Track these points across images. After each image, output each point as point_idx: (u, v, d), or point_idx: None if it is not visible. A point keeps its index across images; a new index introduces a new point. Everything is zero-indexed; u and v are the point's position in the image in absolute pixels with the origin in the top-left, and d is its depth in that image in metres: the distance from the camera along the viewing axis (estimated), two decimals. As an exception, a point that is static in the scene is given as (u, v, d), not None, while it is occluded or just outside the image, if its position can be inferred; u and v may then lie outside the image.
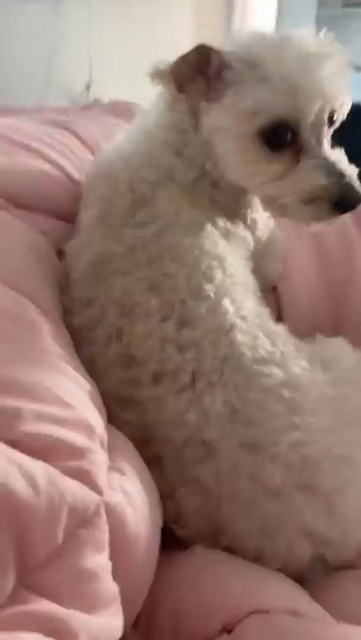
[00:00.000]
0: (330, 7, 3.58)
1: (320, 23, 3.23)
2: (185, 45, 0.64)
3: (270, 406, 0.55)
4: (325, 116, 0.60)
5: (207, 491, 0.54)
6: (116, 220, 0.62)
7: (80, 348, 0.57)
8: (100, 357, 0.58)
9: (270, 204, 0.64)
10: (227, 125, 0.60)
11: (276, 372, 0.56)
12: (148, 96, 0.66)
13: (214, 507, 0.54)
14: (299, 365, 0.58)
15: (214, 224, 0.63)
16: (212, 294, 0.58)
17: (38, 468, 0.36)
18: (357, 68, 3.35)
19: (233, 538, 0.55)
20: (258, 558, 0.54)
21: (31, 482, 0.35)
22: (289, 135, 0.58)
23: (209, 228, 0.62)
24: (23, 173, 0.71)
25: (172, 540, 0.55)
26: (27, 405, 0.39)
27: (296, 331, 0.67)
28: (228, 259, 0.62)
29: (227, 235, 0.65)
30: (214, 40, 0.64)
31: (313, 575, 0.55)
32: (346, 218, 0.68)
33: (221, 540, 0.55)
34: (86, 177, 0.73)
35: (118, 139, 0.72)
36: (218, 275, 0.59)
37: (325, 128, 0.60)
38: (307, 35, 0.61)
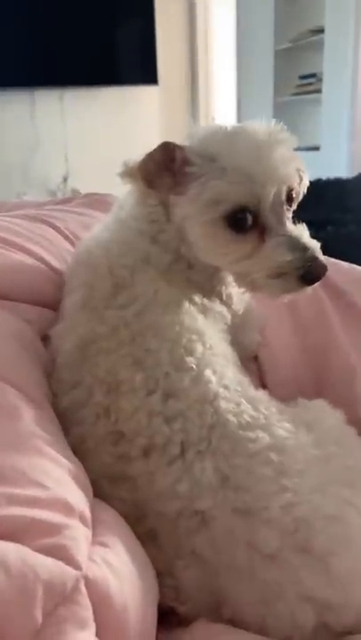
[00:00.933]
0: (284, 95, 3.90)
1: (277, 108, 3.52)
2: (153, 136, 0.71)
3: (259, 470, 0.55)
4: (283, 197, 0.64)
5: (204, 562, 0.53)
6: (98, 303, 0.64)
7: (69, 428, 0.58)
8: (89, 436, 0.58)
9: (241, 280, 0.68)
10: (194, 214, 0.64)
11: (262, 436, 0.57)
12: (121, 185, 0.72)
13: (213, 578, 0.53)
14: (283, 428, 0.59)
15: (192, 301, 0.67)
16: (194, 366, 0.60)
17: (10, 549, 0.36)
18: (309, 148, 3.58)
19: (234, 609, 0.53)
20: (261, 630, 0.52)
21: (2, 564, 0.34)
22: (250, 218, 0.62)
23: (187, 305, 0.65)
24: (4, 266, 0.75)
25: (173, 619, 0.53)
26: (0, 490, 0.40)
27: (279, 396, 0.68)
28: (208, 332, 0.64)
29: (204, 310, 0.68)
30: (179, 130, 0.69)
31: None
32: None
33: (223, 613, 0.53)
34: (68, 266, 0.77)
35: (96, 228, 0.76)
36: (198, 348, 0.62)
37: (285, 207, 0.64)
38: (258, 125, 0.66)
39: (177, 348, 0.61)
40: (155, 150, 0.64)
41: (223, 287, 0.73)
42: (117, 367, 0.59)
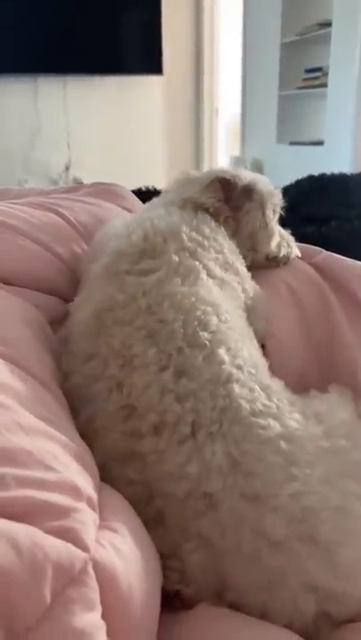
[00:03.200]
0: (289, 88, 3.89)
1: (281, 102, 3.51)
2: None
3: (269, 457, 0.55)
4: None
5: (210, 545, 0.54)
6: (120, 267, 0.67)
7: (80, 405, 0.59)
8: (100, 414, 0.59)
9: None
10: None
11: (274, 425, 0.57)
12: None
13: (218, 561, 0.54)
14: (293, 419, 0.60)
15: (211, 274, 0.70)
16: (207, 342, 0.60)
17: (20, 529, 0.36)
18: (313, 142, 3.58)
19: (237, 594, 0.54)
20: (262, 615, 0.53)
21: (12, 544, 0.35)
22: None
23: (205, 277, 0.69)
24: (11, 253, 0.76)
25: (177, 602, 0.54)
26: (8, 471, 0.40)
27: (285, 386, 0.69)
28: (223, 305, 0.66)
29: (222, 284, 0.71)
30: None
31: (319, 632, 0.53)
32: (316, 275, 0.75)
33: (226, 597, 0.54)
34: (94, 240, 0.81)
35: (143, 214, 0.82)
36: (213, 320, 0.63)
37: None
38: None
39: (191, 320, 0.62)
40: (227, 180, 0.87)
41: (242, 267, 0.80)
42: (131, 340, 0.60)
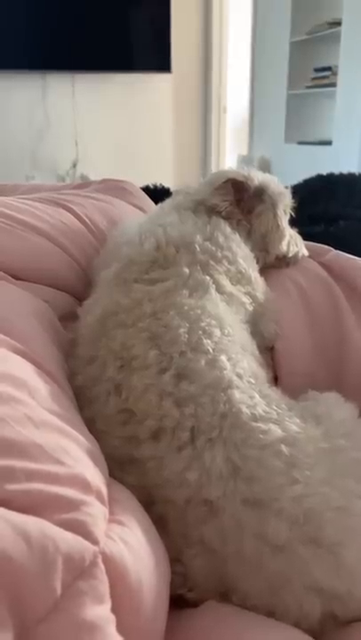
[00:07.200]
0: (298, 87, 3.88)
1: (290, 101, 3.52)
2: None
3: (270, 462, 0.55)
4: None
5: (212, 551, 0.54)
6: (129, 276, 0.67)
7: (83, 407, 0.59)
8: (100, 416, 0.59)
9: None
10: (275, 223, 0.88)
11: (274, 429, 0.57)
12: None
13: (221, 567, 0.54)
14: (294, 423, 0.60)
15: (220, 287, 0.70)
16: (210, 349, 0.61)
17: (30, 521, 0.36)
18: (321, 142, 3.57)
19: (242, 597, 0.54)
20: (269, 617, 0.53)
21: (23, 535, 0.35)
22: None
23: (213, 292, 0.69)
24: (22, 248, 0.76)
25: (182, 604, 0.54)
26: (19, 464, 0.40)
27: (293, 387, 0.70)
28: (227, 320, 0.66)
29: (230, 299, 0.71)
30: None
31: (325, 632, 0.53)
32: (325, 274, 0.75)
33: (231, 600, 0.54)
34: (106, 245, 0.82)
35: (146, 216, 0.82)
36: (216, 332, 0.63)
37: None
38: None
39: (196, 329, 0.62)
40: (239, 180, 0.87)
41: (255, 273, 0.80)
42: (133, 341, 0.60)
